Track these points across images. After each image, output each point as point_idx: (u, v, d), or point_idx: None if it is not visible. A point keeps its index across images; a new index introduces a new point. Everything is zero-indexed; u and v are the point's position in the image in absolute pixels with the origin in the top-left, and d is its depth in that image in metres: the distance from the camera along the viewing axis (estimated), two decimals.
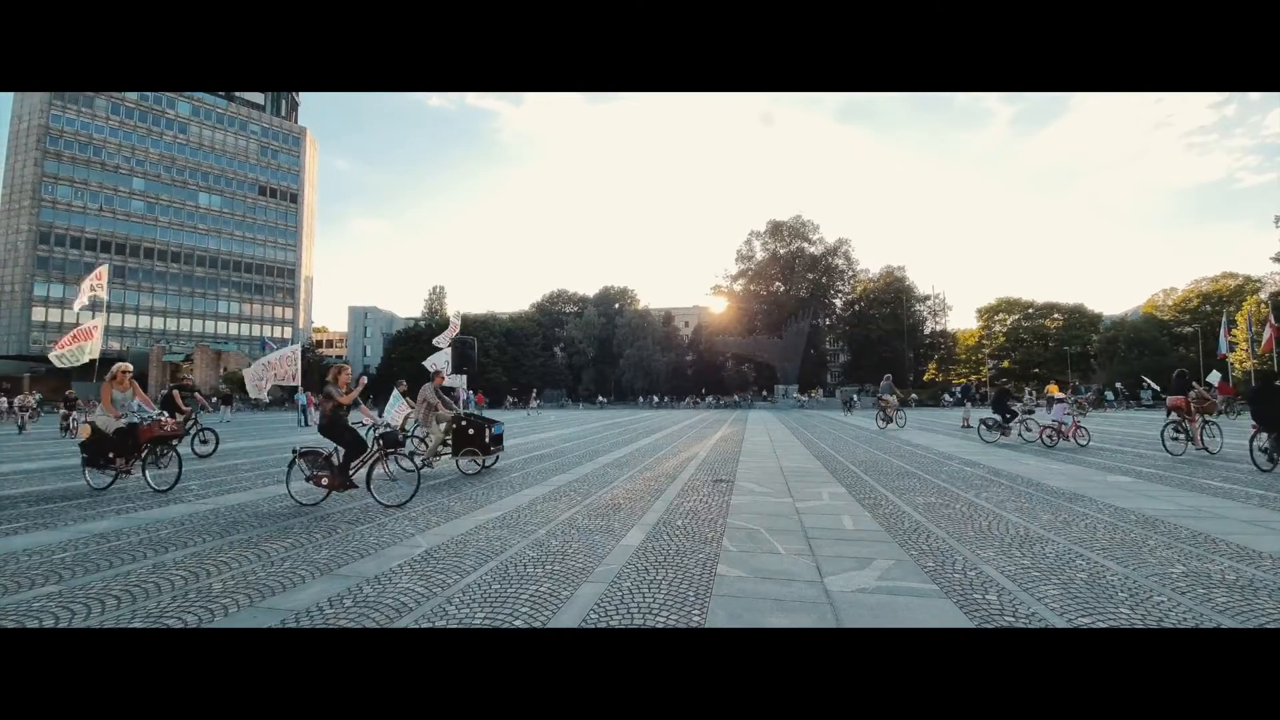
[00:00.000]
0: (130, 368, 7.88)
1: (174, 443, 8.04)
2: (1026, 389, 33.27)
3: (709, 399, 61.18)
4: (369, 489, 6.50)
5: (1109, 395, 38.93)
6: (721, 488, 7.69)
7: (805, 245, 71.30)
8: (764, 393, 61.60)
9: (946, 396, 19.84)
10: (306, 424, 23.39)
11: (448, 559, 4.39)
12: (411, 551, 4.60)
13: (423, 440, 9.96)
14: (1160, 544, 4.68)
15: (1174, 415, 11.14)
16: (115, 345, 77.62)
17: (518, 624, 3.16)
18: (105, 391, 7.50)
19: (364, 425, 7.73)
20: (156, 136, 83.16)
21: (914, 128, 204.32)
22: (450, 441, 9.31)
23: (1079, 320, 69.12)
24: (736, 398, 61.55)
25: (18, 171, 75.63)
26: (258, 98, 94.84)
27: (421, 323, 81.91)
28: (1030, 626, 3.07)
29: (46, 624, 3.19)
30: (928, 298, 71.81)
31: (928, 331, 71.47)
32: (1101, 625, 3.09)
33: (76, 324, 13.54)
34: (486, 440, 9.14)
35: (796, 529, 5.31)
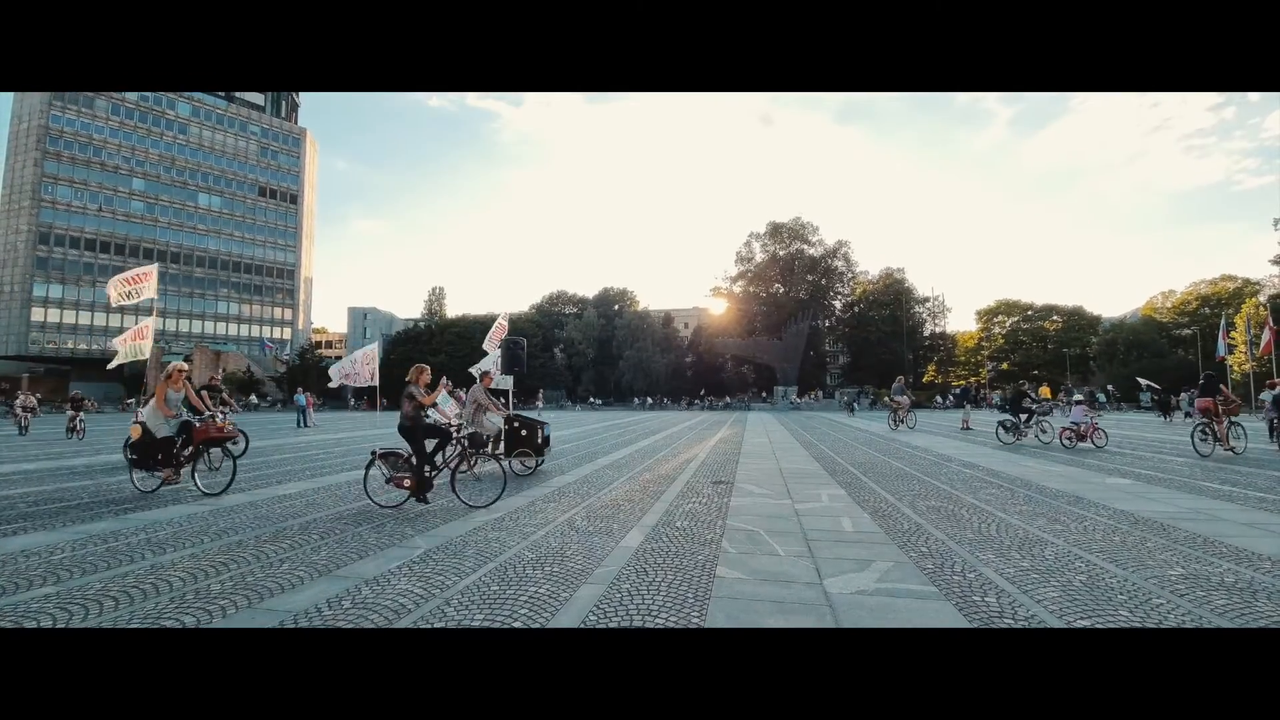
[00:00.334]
0: (186, 367, 7.67)
1: (228, 444, 7.80)
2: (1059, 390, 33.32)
3: (708, 400, 61.15)
4: (454, 489, 6.46)
5: (1101, 398, 39.00)
6: (721, 489, 7.68)
7: (805, 247, 71.38)
8: (763, 394, 61.60)
9: (939, 398, 19.84)
10: (305, 425, 23.34)
11: (446, 560, 4.38)
12: (410, 553, 4.59)
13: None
14: (1159, 546, 4.68)
15: (1202, 417, 11.47)
16: (115, 345, 77.67)
17: (516, 626, 3.15)
18: (159, 391, 7.25)
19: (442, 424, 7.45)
20: (156, 137, 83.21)
21: (913, 129, 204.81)
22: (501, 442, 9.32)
23: (1078, 322, 69.22)
24: (728, 400, 61.44)
25: (17, 172, 75.63)
26: (258, 99, 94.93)
27: (421, 323, 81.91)
28: (1028, 626, 3.07)
29: (45, 625, 3.18)
30: (927, 299, 71.89)
31: (927, 333, 71.51)
32: (1100, 626, 3.09)
33: (130, 325, 13.62)
34: (540, 441, 9.16)
35: (796, 531, 5.31)
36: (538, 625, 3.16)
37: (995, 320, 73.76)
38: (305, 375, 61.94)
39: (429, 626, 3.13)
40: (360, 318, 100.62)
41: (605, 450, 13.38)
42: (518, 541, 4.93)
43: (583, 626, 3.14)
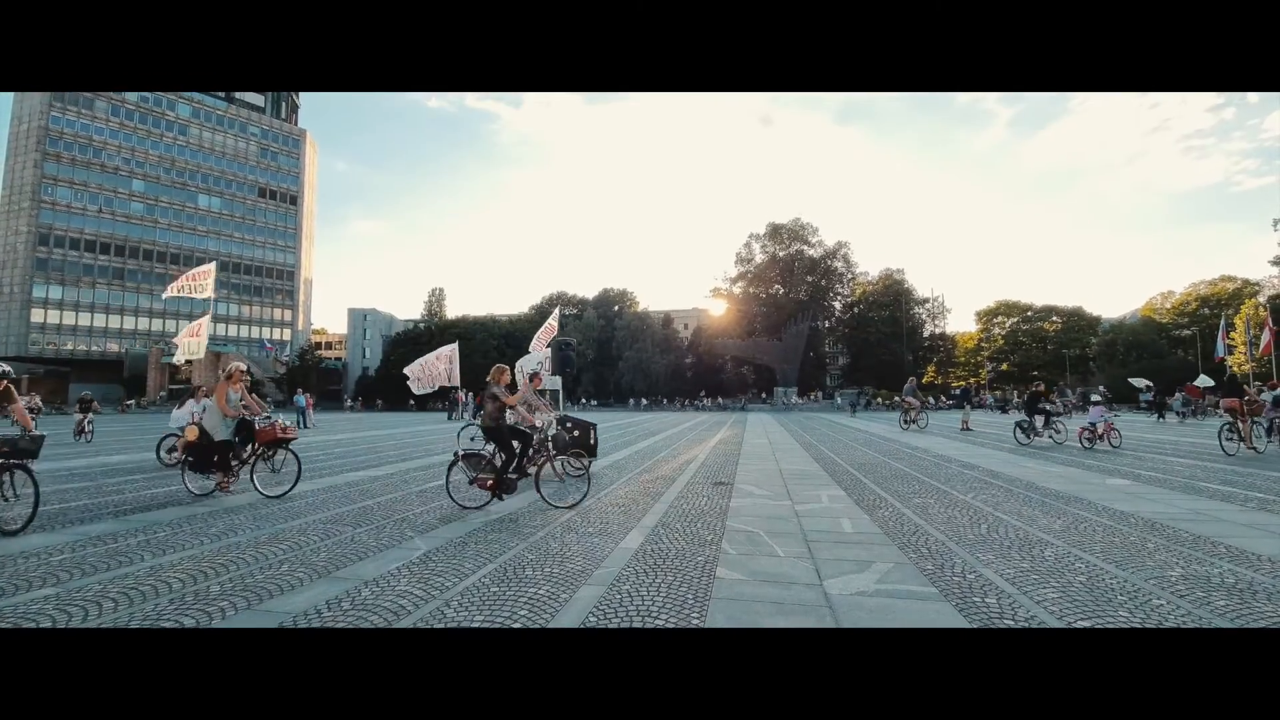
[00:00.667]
0: (245, 366, 7.52)
1: (289, 445, 7.57)
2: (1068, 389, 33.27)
3: (707, 401, 61.13)
4: (538, 490, 6.44)
5: (1094, 398, 38.98)
6: (721, 490, 7.68)
7: (804, 248, 71.48)
8: (763, 395, 61.61)
9: (931, 400, 19.89)
10: (305, 425, 23.33)
11: (446, 562, 4.38)
12: (409, 554, 4.58)
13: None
14: (1159, 547, 4.67)
15: (1228, 417, 11.79)
16: (114, 347, 77.63)
17: (516, 627, 3.15)
18: (220, 391, 7.11)
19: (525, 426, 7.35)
20: (156, 138, 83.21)
21: (913, 130, 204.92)
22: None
23: (1077, 323, 69.28)
24: (720, 400, 61.38)
25: (17, 173, 75.62)
26: (258, 100, 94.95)
27: (421, 324, 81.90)
28: (1026, 626, 3.07)
29: (44, 626, 3.17)
30: (926, 300, 71.98)
31: (926, 334, 71.57)
32: (1099, 627, 3.08)
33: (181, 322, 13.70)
34: (593, 442, 9.15)
35: (796, 531, 5.30)
36: (538, 625, 3.15)
37: (995, 321, 73.83)
38: (305, 376, 61.96)
39: (428, 627, 3.13)
40: (360, 319, 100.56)
41: (605, 452, 13.37)
42: (517, 543, 4.93)
43: (582, 627, 3.14)
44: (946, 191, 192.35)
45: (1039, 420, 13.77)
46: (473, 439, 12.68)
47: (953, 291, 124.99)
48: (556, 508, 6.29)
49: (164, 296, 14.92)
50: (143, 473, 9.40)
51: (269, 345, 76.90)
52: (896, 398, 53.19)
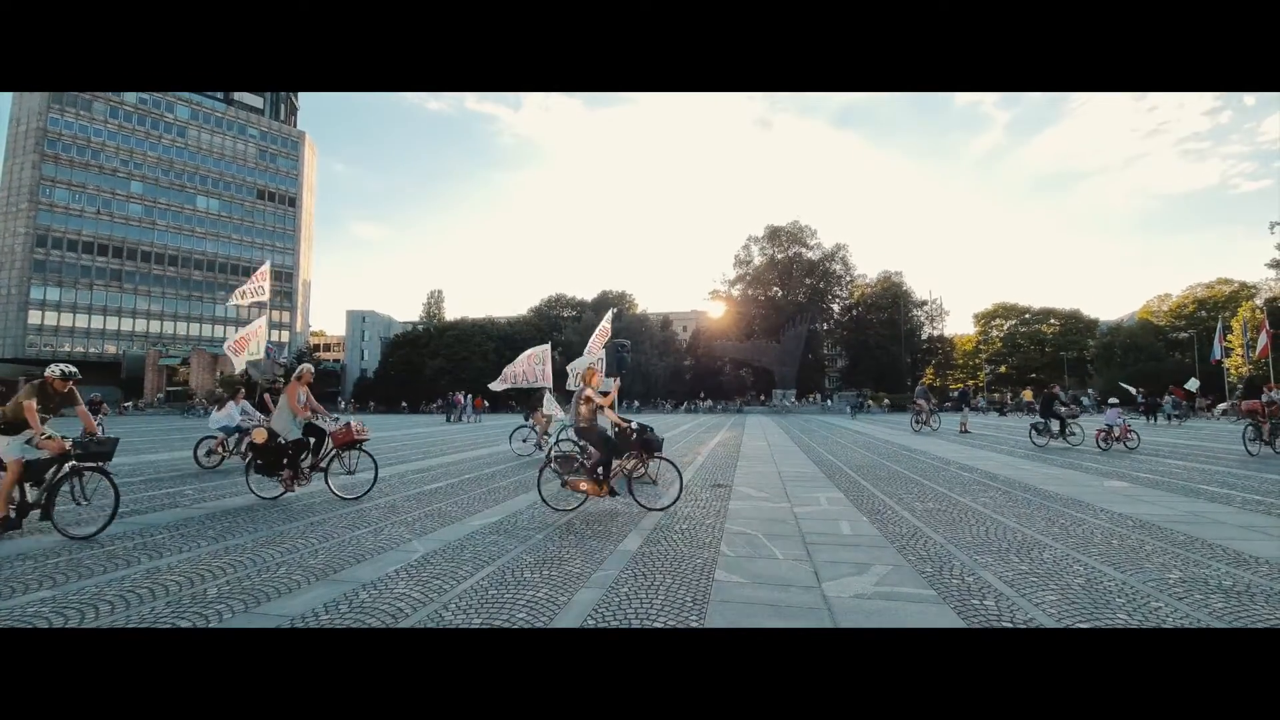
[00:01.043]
0: (312, 369, 7.43)
1: (362, 446, 7.43)
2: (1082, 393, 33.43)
3: (706, 403, 61.11)
4: (630, 492, 6.41)
5: (1084, 400, 39.05)
6: (719, 492, 7.67)
7: (803, 250, 71.56)
8: (762, 397, 61.63)
9: (920, 402, 19.99)
10: None
11: (444, 564, 4.37)
12: (408, 556, 4.57)
13: (576, 443, 9.93)
14: (1157, 549, 4.68)
15: (1249, 419, 12.24)
16: (111, 348, 77.47)
17: (515, 627, 3.14)
18: (292, 391, 7.01)
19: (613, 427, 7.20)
20: (155, 140, 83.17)
21: (911, 133, 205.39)
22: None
23: (1075, 325, 69.42)
24: (713, 403, 61.28)
25: (15, 174, 75.52)
26: (257, 101, 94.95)
27: (419, 326, 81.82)
28: (1025, 626, 3.06)
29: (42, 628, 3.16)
30: (925, 303, 72.06)
31: (925, 336, 71.65)
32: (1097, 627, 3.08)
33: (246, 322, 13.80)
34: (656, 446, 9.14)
35: (794, 534, 5.30)
36: (534, 626, 3.14)
37: (993, 323, 73.95)
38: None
39: (428, 627, 3.12)
40: (359, 320, 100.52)
41: None
42: (516, 545, 4.92)
43: (582, 627, 3.13)
44: (945, 194, 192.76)
45: (1054, 423, 13.77)
46: (525, 440, 12.62)
47: (951, 294, 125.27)
48: (649, 510, 6.25)
49: (230, 304, 15.03)
50: (182, 475, 9.37)
51: (269, 347, 76.78)
52: (887, 400, 53.37)
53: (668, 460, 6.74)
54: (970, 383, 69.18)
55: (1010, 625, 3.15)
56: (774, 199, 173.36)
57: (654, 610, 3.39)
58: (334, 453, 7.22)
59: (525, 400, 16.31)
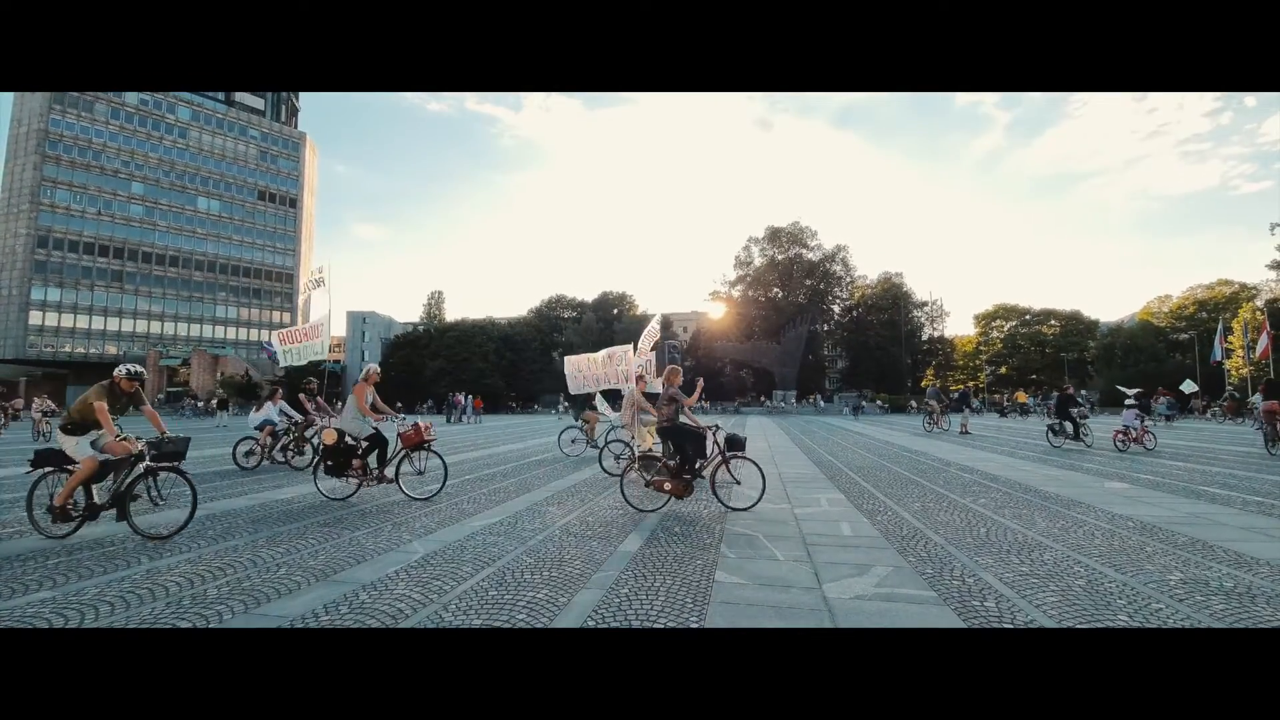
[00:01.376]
0: (378, 369, 7.39)
1: (430, 446, 7.37)
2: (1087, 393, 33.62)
3: (705, 404, 61.03)
4: (714, 492, 6.40)
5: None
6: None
7: (803, 251, 71.49)
8: (762, 398, 61.58)
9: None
10: None
11: (444, 565, 4.36)
12: (408, 558, 4.57)
13: (627, 444, 9.79)
14: (1158, 551, 4.67)
15: (1268, 421, 12.33)
16: (112, 349, 77.52)
17: (515, 627, 3.13)
18: (359, 392, 6.99)
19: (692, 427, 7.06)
20: (156, 141, 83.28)
21: (911, 134, 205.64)
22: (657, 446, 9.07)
23: (1075, 327, 69.34)
24: (708, 406, 61.16)
25: (16, 175, 75.64)
26: (257, 102, 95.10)
27: (420, 327, 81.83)
28: (1024, 627, 3.06)
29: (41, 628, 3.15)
30: (925, 304, 71.97)
31: (925, 338, 71.60)
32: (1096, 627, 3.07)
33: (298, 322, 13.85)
34: (739, 445, 9.07)
35: (795, 535, 5.29)
36: (535, 626, 3.14)
37: (993, 324, 73.88)
38: (304, 378, 61.75)
39: (428, 627, 3.11)
40: (359, 321, 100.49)
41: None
42: (516, 546, 4.91)
43: (581, 627, 3.12)
44: (945, 195, 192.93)
45: (1069, 425, 13.75)
46: (574, 441, 12.54)
47: (951, 295, 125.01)
48: (733, 510, 6.24)
49: (303, 297, 15.59)
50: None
51: (267, 346, 76.87)
52: (879, 401, 53.25)
53: (750, 460, 6.64)
54: (971, 384, 69.17)
55: (1010, 626, 3.14)
56: (774, 200, 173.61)
57: (654, 611, 3.39)
58: (403, 453, 7.18)
59: (573, 402, 16.15)
